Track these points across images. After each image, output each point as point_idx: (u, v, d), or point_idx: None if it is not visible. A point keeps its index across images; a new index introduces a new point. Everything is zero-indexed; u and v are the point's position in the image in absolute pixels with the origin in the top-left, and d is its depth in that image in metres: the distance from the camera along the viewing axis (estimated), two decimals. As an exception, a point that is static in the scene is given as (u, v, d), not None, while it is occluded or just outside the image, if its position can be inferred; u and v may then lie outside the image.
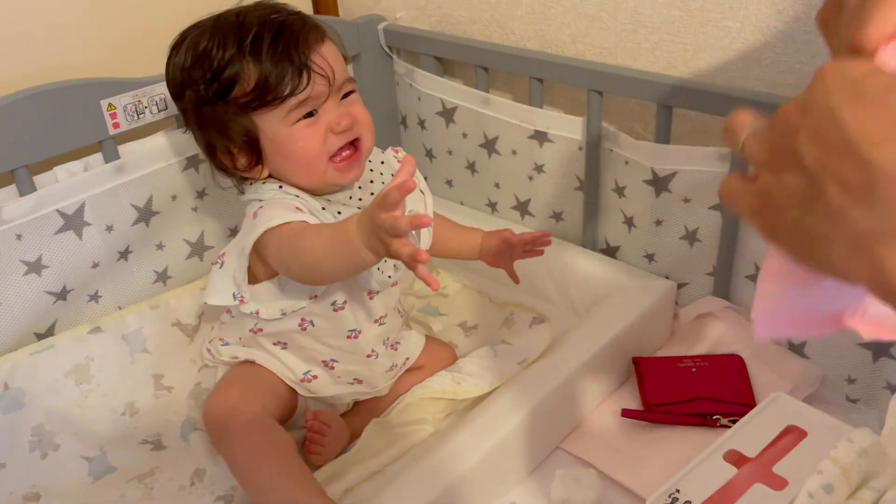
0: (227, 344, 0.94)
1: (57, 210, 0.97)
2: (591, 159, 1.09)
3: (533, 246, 0.95)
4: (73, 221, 0.98)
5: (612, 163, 1.08)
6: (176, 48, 0.84)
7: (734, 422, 0.92)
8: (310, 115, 0.80)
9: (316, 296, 0.85)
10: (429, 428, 0.92)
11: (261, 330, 0.89)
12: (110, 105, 0.98)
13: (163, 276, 1.10)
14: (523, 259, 0.97)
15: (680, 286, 1.08)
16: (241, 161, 0.84)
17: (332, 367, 0.91)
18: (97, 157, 1.01)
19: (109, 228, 1.02)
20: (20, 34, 0.97)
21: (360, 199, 0.88)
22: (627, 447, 0.91)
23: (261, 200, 0.83)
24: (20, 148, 0.93)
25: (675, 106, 0.98)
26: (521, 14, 1.14)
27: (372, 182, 0.91)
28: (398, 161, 0.97)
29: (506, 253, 0.97)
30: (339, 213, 0.85)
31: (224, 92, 0.80)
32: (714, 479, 0.78)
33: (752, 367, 0.99)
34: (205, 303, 0.91)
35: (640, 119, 1.10)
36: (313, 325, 0.88)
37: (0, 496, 0.87)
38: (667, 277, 1.08)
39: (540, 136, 1.13)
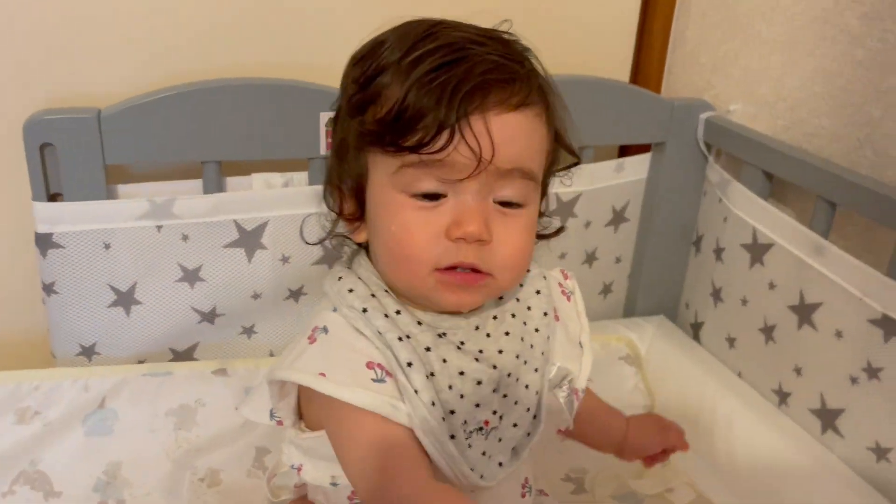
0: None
1: (235, 221, 0.82)
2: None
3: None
4: (249, 239, 0.83)
5: None
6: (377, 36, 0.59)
7: None
8: (433, 196, 0.53)
9: None
10: None
11: (303, 485, 0.64)
12: (329, 121, 0.81)
13: (331, 334, 0.91)
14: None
15: None
16: (347, 206, 0.59)
17: None
18: (301, 176, 0.85)
19: (285, 259, 0.85)
20: (248, 22, 0.83)
21: (483, 334, 0.58)
22: None
23: (332, 311, 0.57)
24: (216, 139, 0.79)
25: None
26: (915, 141, 0.76)
27: (514, 316, 0.60)
28: (564, 292, 0.66)
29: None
30: (442, 336, 0.56)
31: (360, 106, 0.55)
32: None
33: None
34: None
35: None
36: None
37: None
38: None
39: (888, 325, 0.73)
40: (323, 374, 0.52)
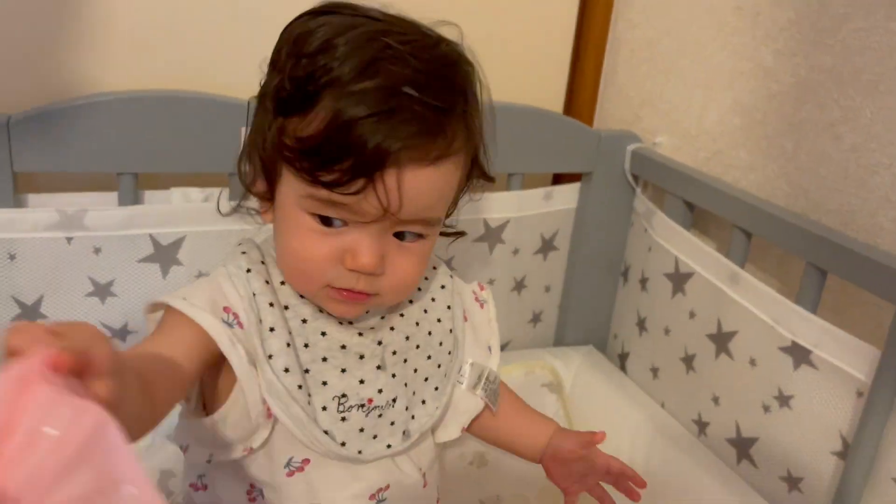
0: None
1: (150, 235, 0.80)
2: (879, 404, 0.67)
3: (626, 483, 0.66)
4: (164, 254, 0.81)
5: (910, 436, 0.65)
6: (313, 16, 0.55)
7: None
8: (328, 220, 0.53)
9: (251, 448, 0.57)
10: None
11: (205, 487, 0.62)
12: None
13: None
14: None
15: None
16: (258, 185, 0.58)
17: None
18: (223, 192, 0.83)
19: (201, 276, 0.82)
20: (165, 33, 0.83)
21: (377, 315, 0.61)
22: None
23: (222, 267, 0.59)
24: (133, 151, 0.77)
25: None
26: (825, 174, 0.77)
27: (411, 302, 0.63)
28: (477, 299, 0.70)
29: (579, 468, 0.67)
30: (322, 333, 0.58)
31: (287, 107, 0.53)
32: None
33: None
34: None
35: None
36: (262, 497, 0.59)
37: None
38: None
39: (797, 353, 0.74)
40: (184, 299, 0.55)
